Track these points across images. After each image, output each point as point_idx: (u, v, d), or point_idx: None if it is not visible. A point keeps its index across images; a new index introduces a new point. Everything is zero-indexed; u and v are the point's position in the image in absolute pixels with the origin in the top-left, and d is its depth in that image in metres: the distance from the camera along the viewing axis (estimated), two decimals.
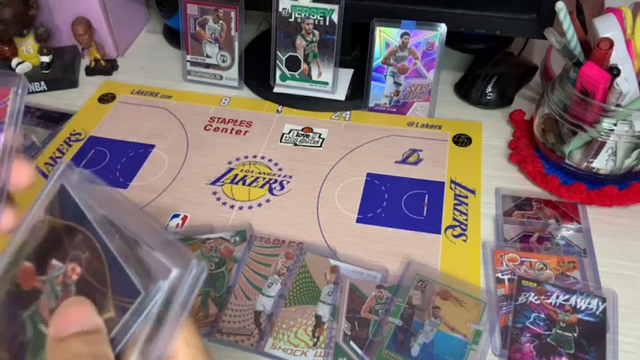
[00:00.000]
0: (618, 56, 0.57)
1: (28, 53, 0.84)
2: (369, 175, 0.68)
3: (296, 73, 0.77)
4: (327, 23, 0.73)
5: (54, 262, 0.27)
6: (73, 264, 0.27)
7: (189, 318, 0.27)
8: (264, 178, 0.68)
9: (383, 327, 0.52)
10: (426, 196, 0.65)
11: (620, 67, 0.57)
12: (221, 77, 0.81)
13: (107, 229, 0.26)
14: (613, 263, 0.57)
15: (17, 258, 0.28)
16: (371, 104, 0.76)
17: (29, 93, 0.82)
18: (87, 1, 0.83)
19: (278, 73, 0.78)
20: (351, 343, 0.51)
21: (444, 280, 0.55)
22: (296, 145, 0.72)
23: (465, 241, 0.60)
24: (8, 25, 0.79)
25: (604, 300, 0.53)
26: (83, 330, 0.24)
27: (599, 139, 0.59)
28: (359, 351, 0.51)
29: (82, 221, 0.27)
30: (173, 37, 0.91)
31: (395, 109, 0.76)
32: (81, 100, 0.81)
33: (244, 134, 0.74)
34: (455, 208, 0.63)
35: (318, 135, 0.74)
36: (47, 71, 0.84)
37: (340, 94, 0.78)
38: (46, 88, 0.83)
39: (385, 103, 0.76)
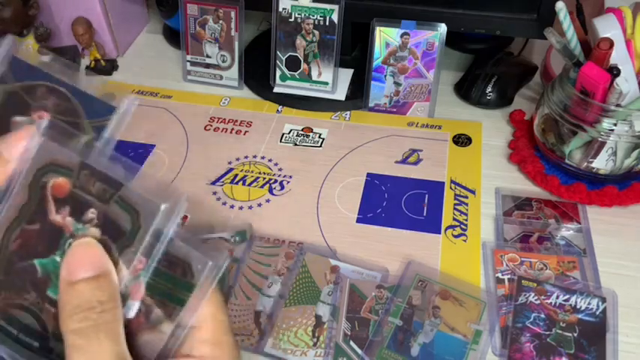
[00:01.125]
0: (618, 56, 0.57)
1: (28, 53, 0.84)
2: (369, 175, 0.67)
3: (296, 73, 0.77)
4: (327, 23, 0.73)
5: (16, 119, 0.28)
6: (39, 112, 0.28)
7: (219, 295, 0.28)
8: (264, 178, 0.68)
9: (383, 327, 0.52)
10: (426, 196, 0.65)
11: (620, 67, 0.57)
12: (221, 77, 0.81)
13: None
14: (613, 263, 0.57)
15: None
16: (371, 104, 0.76)
17: None
18: (87, 1, 0.83)
19: (278, 73, 0.78)
20: (351, 343, 0.51)
21: (444, 280, 0.55)
22: (296, 145, 0.72)
23: (465, 241, 0.60)
24: (8, 25, 0.79)
25: (604, 300, 0.53)
26: (92, 275, 0.25)
27: (599, 139, 0.59)
28: (359, 351, 0.51)
29: (40, 77, 0.28)
30: (173, 37, 0.91)
31: (395, 109, 0.76)
32: None
33: (244, 134, 0.74)
34: (455, 208, 0.63)
35: (318, 135, 0.74)
36: None
37: (340, 94, 0.78)
38: None
39: (385, 103, 0.76)
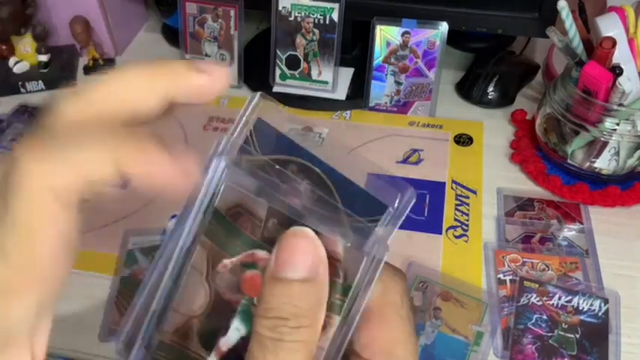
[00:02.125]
0: (621, 55, 0.57)
1: (25, 52, 0.83)
2: (369, 175, 0.67)
3: (296, 73, 0.77)
4: (327, 22, 0.73)
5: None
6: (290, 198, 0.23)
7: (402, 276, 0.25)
8: None
9: None
10: (427, 196, 0.64)
11: (622, 67, 0.56)
12: None
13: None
14: (615, 264, 0.57)
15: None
16: (371, 104, 0.76)
17: (26, 92, 0.82)
18: (85, 0, 0.83)
19: (278, 72, 0.77)
20: None
21: (445, 281, 0.55)
22: None
23: (466, 241, 0.59)
24: (6, 24, 0.78)
25: (606, 301, 0.52)
26: (300, 277, 0.21)
27: (602, 139, 0.59)
28: None
29: (287, 148, 0.24)
30: (172, 35, 0.90)
31: (396, 109, 0.76)
32: None
33: None
34: (456, 209, 0.63)
35: (318, 135, 0.73)
36: (45, 70, 0.83)
37: (340, 94, 0.77)
38: (44, 88, 0.82)
39: (386, 103, 0.76)
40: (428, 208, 0.63)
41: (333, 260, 0.22)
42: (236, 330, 0.23)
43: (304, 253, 0.21)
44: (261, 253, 0.23)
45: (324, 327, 0.22)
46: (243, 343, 0.23)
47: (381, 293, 0.24)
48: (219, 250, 0.24)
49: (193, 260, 0.24)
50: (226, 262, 0.24)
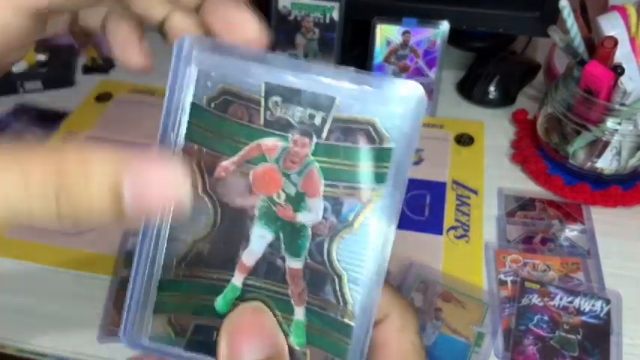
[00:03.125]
0: (622, 55, 0.57)
1: None
2: None
3: None
4: (328, 21, 0.72)
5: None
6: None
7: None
8: None
9: None
10: (428, 196, 0.64)
11: (624, 66, 0.56)
12: None
13: None
14: (617, 264, 0.57)
15: None
16: None
17: (24, 92, 0.82)
18: None
19: None
20: None
21: (446, 281, 0.55)
22: None
23: (467, 242, 0.59)
24: None
25: (608, 302, 0.52)
26: (260, 358, 0.20)
27: (603, 139, 0.59)
28: None
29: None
30: None
31: None
32: (77, 99, 0.80)
33: None
34: (457, 209, 0.62)
35: None
36: (43, 69, 0.83)
37: None
38: (42, 87, 0.82)
39: None
40: (428, 208, 0.63)
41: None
42: (260, 238, 0.20)
43: (255, 328, 0.20)
44: (269, 142, 0.20)
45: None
46: (272, 250, 0.20)
47: (399, 329, 0.23)
48: (211, 153, 0.20)
49: None
50: (225, 164, 0.20)
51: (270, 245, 0.20)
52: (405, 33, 0.71)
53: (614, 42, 0.55)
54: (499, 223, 0.61)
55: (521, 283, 0.54)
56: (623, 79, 0.56)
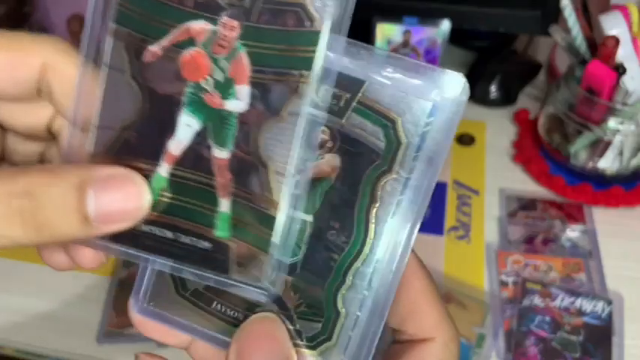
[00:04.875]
0: (624, 54, 0.56)
1: None
2: None
3: None
4: None
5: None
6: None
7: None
8: None
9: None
10: None
11: (626, 65, 0.56)
12: None
13: None
14: (619, 265, 0.56)
15: None
16: None
17: None
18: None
19: None
20: None
21: (447, 282, 0.54)
22: None
23: (468, 242, 0.59)
24: (2, 23, 0.78)
25: (610, 302, 0.52)
26: None
27: (605, 139, 0.59)
28: None
29: None
30: None
31: None
32: None
33: None
34: (458, 209, 0.62)
35: None
36: None
37: None
38: None
39: None
40: (429, 208, 0.62)
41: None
42: (186, 126, 0.19)
43: (265, 339, 0.20)
44: (197, 25, 0.19)
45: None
46: (201, 139, 0.19)
47: (438, 358, 0.22)
48: (139, 37, 0.20)
49: (107, 59, 0.20)
50: (153, 48, 0.19)
51: (198, 134, 0.20)
52: (405, 32, 0.70)
53: (616, 41, 0.55)
54: (500, 223, 0.61)
55: (523, 283, 0.54)
56: (624, 78, 0.55)
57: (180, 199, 0.20)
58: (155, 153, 0.20)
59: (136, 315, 0.22)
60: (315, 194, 0.20)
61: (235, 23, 0.19)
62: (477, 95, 0.76)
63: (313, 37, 0.18)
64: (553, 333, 0.50)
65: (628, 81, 0.55)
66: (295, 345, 0.20)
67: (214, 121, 0.20)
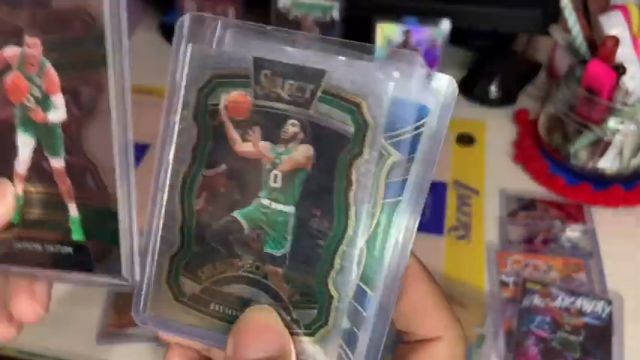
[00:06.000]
0: (624, 54, 0.56)
1: None
2: None
3: None
4: (328, 20, 0.72)
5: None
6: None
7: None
8: None
9: None
10: (429, 196, 0.64)
11: (626, 65, 0.56)
12: None
13: None
14: (619, 265, 0.56)
15: None
16: None
17: None
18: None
19: None
20: None
21: (447, 282, 0.54)
22: None
23: (468, 242, 0.59)
24: None
25: (610, 302, 0.52)
26: (266, 357, 0.20)
27: (605, 139, 0.59)
28: None
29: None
30: (169, 33, 0.89)
31: None
32: None
33: None
34: (458, 209, 0.62)
35: None
36: None
37: None
38: None
39: None
40: (429, 208, 0.62)
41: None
42: (24, 145, 0.21)
43: (261, 329, 0.20)
44: (8, 51, 0.21)
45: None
46: (37, 154, 0.21)
47: (446, 357, 0.22)
48: None
49: None
50: None
51: (35, 150, 0.22)
52: (405, 32, 0.70)
53: (616, 41, 0.55)
54: (500, 223, 0.61)
55: (523, 284, 0.54)
56: (625, 78, 0.55)
57: (38, 213, 0.22)
58: (8, 177, 0.22)
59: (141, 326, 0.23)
60: (293, 186, 0.20)
61: (37, 40, 0.21)
62: (477, 95, 0.76)
63: (98, 40, 0.20)
64: (553, 333, 0.50)
65: (628, 81, 0.55)
66: (294, 334, 0.21)
67: (43, 134, 0.21)
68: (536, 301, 0.52)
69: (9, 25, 0.21)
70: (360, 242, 0.20)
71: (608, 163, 0.60)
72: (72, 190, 0.21)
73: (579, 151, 0.62)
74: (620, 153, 0.59)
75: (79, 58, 0.21)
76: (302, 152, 0.20)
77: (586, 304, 0.52)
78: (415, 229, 0.20)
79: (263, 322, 0.20)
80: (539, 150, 0.67)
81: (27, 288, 0.23)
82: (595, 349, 0.49)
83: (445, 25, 0.69)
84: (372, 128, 0.19)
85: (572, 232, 0.59)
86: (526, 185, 0.65)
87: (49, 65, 0.21)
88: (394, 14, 0.70)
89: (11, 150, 0.22)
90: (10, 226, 0.22)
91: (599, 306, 0.52)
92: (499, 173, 0.67)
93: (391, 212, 0.20)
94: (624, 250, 0.58)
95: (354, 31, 0.80)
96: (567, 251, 0.57)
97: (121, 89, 0.21)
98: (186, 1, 0.77)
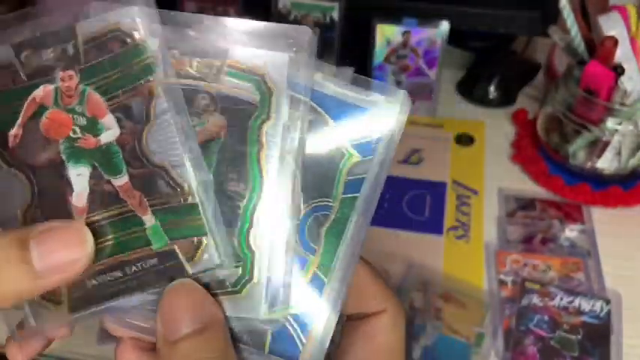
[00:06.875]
0: (623, 54, 0.56)
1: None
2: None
3: None
4: (328, 21, 0.72)
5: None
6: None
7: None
8: None
9: None
10: (428, 196, 0.64)
11: (624, 66, 0.56)
12: None
13: None
14: (617, 264, 0.56)
15: None
16: None
17: None
18: (85, 1, 0.82)
19: None
20: None
21: (446, 282, 0.55)
22: None
23: (467, 242, 0.59)
24: None
25: (608, 302, 0.52)
26: (196, 328, 0.20)
27: (604, 139, 0.59)
28: None
29: None
30: None
31: None
32: None
33: None
34: (457, 209, 0.62)
35: None
36: None
37: None
38: None
39: None
40: (428, 208, 0.63)
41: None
42: (78, 177, 0.21)
43: (186, 303, 0.21)
44: (39, 91, 0.21)
45: None
46: (95, 180, 0.21)
47: (391, 326, 0.24)
48: None
49: None
50: (13, 131, 0.21)
51: (91, 177, 0.21)
52: (405, 33, 0.70)
53: (615, 42, 0.55)
54: (499, 223, 0.61)
55: (522, 283, 0.54)
56: (623, 79, 0.56)
57: (110, 239, 0.21)
58: (66, 215, 0.21)
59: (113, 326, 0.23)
60: (210, 155, 0.22)
61: (71, 72, 0.21)
62: (476, 95, 0.76)
63: (140, 51, 0.21)
64: (552, 332, 0.50)
65: (626, 81, 0.56)
66: (220, 294, 0.21)
67: (99, 158, 0.21)
68: (535, 300, 0.53)
69: (37, 67, 0.21)
70: (276, 199, 0.21)
71: (606, 164, 0.61)
72: (143, 200, 0.21)
73: (578, 151, 0.62)
74: (619, 153, 0.60)
75: (124, 74, 0.21)
76: (214, 123, 0.21)
77: (584, 304, 0.52)
78: (369, 223, 0.22)
79: (186, 295, 0.21)
80: (537, 150, 0.67)
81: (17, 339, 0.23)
82: (593, 348, 0.49)
83: (444, 26, 0.69)
84: (275, 95, 0.21)
85: (571, 232, 0.60)
86: (525, 185, 0.65)
87: (89, 91, 0.21)
88: (394, 15, 0.70)
89: (65, 187, 0.21)
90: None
91: (598, 305, 0.52)
92: (498, 173, 0.67)
93: (349, 207, 0.22)
94: (622, 250, 0.58)
95: (353, 31, 0.80)
96: (566, 251, 0.58)
97: (170, 88, 0.21)
98: (186, 3, 0.77)
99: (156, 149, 0.21)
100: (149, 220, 0.21)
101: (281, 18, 0.73)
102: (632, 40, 0.57)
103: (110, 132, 0.21)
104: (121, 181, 0.21)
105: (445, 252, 0.58)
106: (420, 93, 0.74)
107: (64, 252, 0.20)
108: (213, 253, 0.21)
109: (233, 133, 0.21)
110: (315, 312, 0.22)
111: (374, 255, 0.58)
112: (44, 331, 0.22)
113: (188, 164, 0.21)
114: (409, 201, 0.63)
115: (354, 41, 0.82)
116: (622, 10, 0.57)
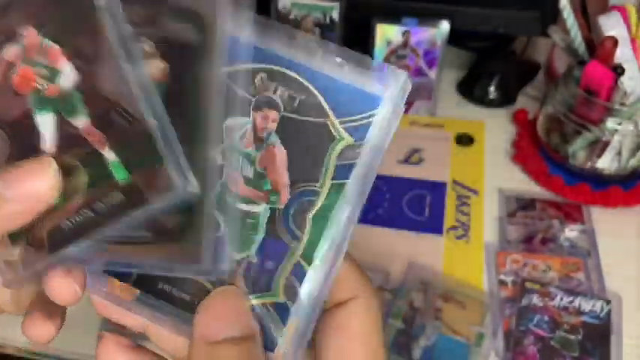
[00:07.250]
0: (623, 55, 0.57)
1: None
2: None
3: None
4: (328, 21, 0.72)
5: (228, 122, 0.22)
6: (264, 111, 0.21)
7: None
8: None
9: (384, 330, 0.51)
10: (428, 196, 0.64)
11: (624, 66, 0.56)
12: None
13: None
14: (617, 265, 0.56)
15: None
16: None
17: None
18: None
19: None
20: None
21: (446, 282, 0.55)
22: None
23: (467, 242, 0.59)
24: None
25: (608, 302, 0.52)
26: (235, 336, 0.20)
27: (604, 139, 0.59)
28: None
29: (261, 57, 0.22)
30: None
31: None
32: None
33: None
34: (457, 209, 0.62)
35: None
36: None
37: None
38: None
39: None
40: (429, 208, 0.63)
41: None
42: (45, 124, 0.22)
43: (231, 308, 0.21)
44: (9, 51, 0.22)
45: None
46: (60, 125, 0.22)
47: (364, 312, 0.23)
48: None
49: None
50: None
51: (56, 122, 0.22)
52: (405, 33, 0.70)
53: (615, 42, 0.55)
54: (499, 223, 0.61)
55: (522, 283, 0.54)
56: (623, 79, 0.56)
57: (79, 179, 0.22)
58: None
59: (96, 298, 0.24)
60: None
61: (29, 28, 0.21)
62: (476, 95, 0.76)
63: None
64: (552, 332, 0.50)
65: (626, 81, 0.56)
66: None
67: (60, 104, 0.22)
68: (535, 300, 0.53)
69: (3, 28, 0.22)
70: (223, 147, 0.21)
71: (606, 164, 0.61)
72: (103, 137, 0.22)
73: (578, 151, 0.62)
74: (619, 153, 0.60)
75: (70, 18, 0.22)
76: (157, 67, 0.21)
77: (584, 304, 0.52)
78: (358, 214, 0.21)
79: (233, 301, 0.21)
80: (537, 150, 0.67)
81: (61, 267, 0.23)
82: (593, 348, 0.49)
83: (444, 26, 0.69)
84: (218, 35, 0.21)
85: (571, 232, 0.60)
86: (525, 185, 0.65)
87: (46, 42, 0.22)
88: (394, 15, 0.70)
89: (35, 137, 0.22)
90: (54, 209, 0.22)
91: (598, 305, 0.52)
92: (498, 173, 0.67)
93: (337, 193, 0.21)
94: (622, 250, 0.58)
95: (353, 31, 0.80)
96: (566, 251, 0.58)
97: (117, 24, 0.21)
98: None
99: (109, 86, 0.21)
100: (109, 155, 0.22)
101: (281, 18, 0.73)
102: (632, 40, 0.57)
103: (67, 75, 0.22)
104: (81, 122, 0.22)
105: (445, 252, 0.58)
106: (420, 93, 0.74)
107: (30, 180, 0.21)
108: (172, 179, 0.21)
109: (176, 75, 0.21)
110: (297, 302, 0.21)
111: (374, 255, 0.58)
112: (33, 277, 0.23)
113: (141, 96, 0.21)
114: (409, 201, 0.63)
115: (354, 41, 0.82)
116: (622, 10, 0.57)
